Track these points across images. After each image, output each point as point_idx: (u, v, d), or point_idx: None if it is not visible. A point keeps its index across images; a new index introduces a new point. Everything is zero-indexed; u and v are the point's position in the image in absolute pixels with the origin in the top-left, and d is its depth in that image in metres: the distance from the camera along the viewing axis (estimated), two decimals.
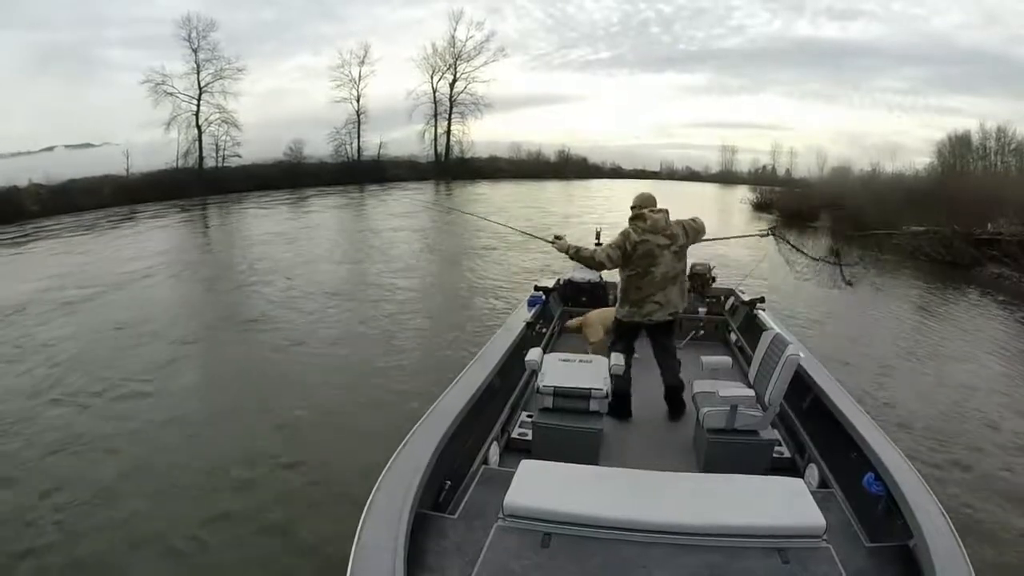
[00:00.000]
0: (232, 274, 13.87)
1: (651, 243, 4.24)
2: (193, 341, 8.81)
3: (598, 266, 4.35)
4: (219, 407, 6.35)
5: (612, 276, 5.76)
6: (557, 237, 4.44)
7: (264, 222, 23.37)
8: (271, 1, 60.70)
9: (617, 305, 4.52)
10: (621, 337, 4.57)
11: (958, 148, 29.00)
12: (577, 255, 4.31)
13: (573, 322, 5.96)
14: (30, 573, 3.89)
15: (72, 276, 13.38)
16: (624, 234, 4.27)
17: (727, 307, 6.71)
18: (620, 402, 4.33)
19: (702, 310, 6.57)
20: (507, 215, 21.44)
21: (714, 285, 6.90)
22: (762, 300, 6.29)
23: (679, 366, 4.51)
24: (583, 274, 6.84)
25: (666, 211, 4.40)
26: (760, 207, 32.21)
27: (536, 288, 6.41)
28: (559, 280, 6.91)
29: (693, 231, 4.44)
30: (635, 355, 5.46)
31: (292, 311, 10.36)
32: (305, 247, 17.32)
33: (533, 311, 5.74)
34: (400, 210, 24.48)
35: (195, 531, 4.24)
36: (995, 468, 5.30)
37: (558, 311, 6.58)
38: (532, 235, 4.75)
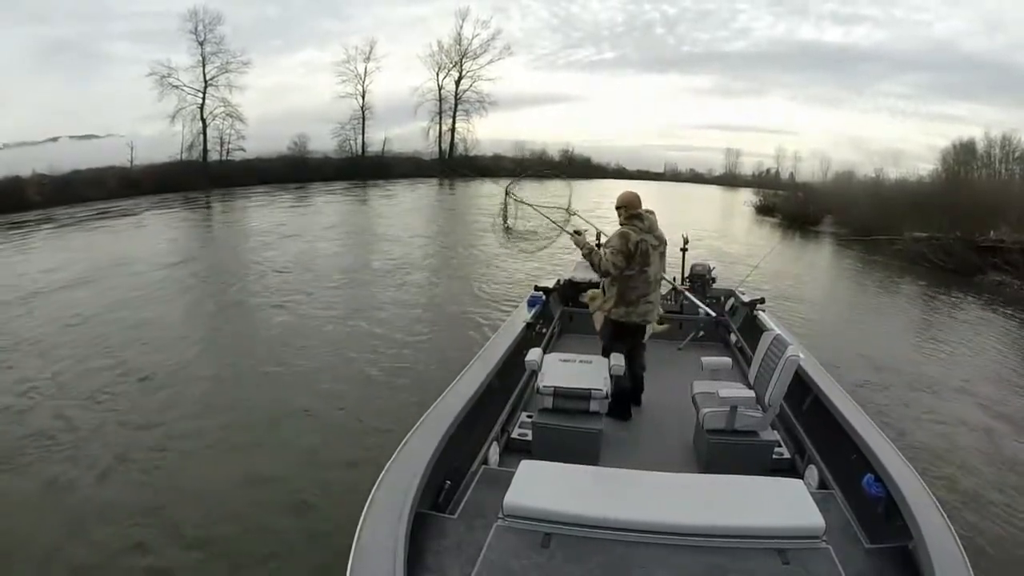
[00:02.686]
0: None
1: (647, 243, 4.30)
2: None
3: (603, 274, 4.33)
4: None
5: None
6: (578, 232, 4.46)
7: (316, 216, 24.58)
8: None
9: (611, 306, 4.46)
10: (618, 339, 4.51)
11: (962, 155, 28.93)
12: (589, 256, 4.27)
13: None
14: None
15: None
16: (623, 236, 4.24)
17: (727, 308, 6.70)
18: (620, 402, 4.33)
19: (702, 310, 6.55)
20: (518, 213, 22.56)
21: (714, 286, 6.90)
22: (762, 301, 6.29)
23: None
24: (583, 274, 6.84)
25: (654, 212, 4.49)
26: (763, 210, 32.20)
27: (536, 288, 6.41)
28: (559, 280, 6.90)
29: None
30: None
31: None
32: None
33: (533, 311, 5.75)
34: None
35: None
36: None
37: (558, 311, 6.57)
38: (559, 225, 4.80)
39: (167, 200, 27.27)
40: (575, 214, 4.62)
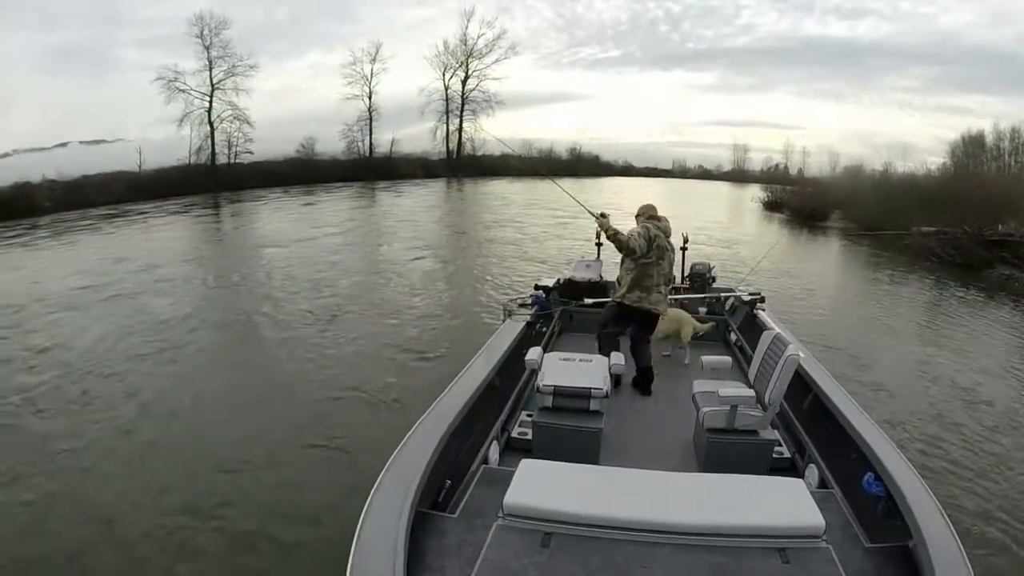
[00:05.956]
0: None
1: (663, 240, 4.83)
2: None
3: (629, 251, 4.66)
4: None
5: (609, 274, 6.37)
6: (603, 215, 4.75)
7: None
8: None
9: (624, 291, 4.85)
10: (619, 322, 4.90)
11: (971, 148, 28.65)
12: (614, 237, 4.60)
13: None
14: None
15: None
16: (644, 227, 4.78)
17: (727, 307, 6.70)
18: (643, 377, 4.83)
19: (702, 310, 6.54)
20: (542, 204, 25.21)
21: (714, 285, 6.90)
22: (762, 300, 6.28)
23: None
24: (583, 273, 6.90)
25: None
26: (771, 206, 32.01)
27: (536, 287, 6.45)
28: (559, 279, 6.93)
29: None
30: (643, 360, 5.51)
31: None
32: None
33: (533, 310, 5.79)
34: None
35: None
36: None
37: (558, 310, 6.59)
38: (586, 208, 5.05)
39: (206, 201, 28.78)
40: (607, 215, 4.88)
